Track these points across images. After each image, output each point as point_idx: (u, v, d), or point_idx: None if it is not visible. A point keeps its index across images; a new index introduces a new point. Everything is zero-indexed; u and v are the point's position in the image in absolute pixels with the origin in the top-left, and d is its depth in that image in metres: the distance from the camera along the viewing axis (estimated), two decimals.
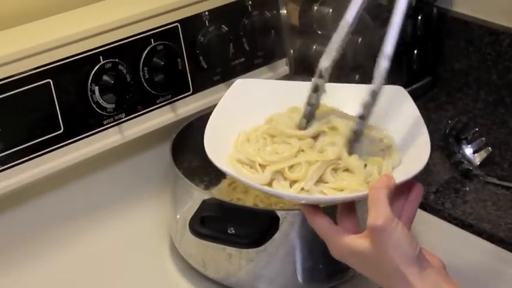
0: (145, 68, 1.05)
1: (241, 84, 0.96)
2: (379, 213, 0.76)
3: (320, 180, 0.84)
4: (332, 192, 0.83)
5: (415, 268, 0.76)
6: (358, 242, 0.78)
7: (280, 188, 0.83)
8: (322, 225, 0.82)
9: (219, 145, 0.86)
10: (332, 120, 0.88)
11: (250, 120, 0.90)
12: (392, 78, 1.40)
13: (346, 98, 0.92)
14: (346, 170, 0.85)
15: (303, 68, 1.28)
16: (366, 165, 0.85)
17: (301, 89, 0.91)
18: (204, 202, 0.95)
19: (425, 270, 0.77)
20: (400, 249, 0.76)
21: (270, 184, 0.84)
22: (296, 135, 0.87)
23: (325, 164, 0.83)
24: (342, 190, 0.83)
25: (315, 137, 0.87)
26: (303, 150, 0.85)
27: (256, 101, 0.93)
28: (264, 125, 0.90)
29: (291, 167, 0.84)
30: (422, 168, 0.82)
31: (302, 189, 0.83)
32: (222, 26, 1.13)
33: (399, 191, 0.81)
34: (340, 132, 0.86)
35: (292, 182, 0.83)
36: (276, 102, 0.92)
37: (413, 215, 0.82)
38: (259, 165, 0.84)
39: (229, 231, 0.93)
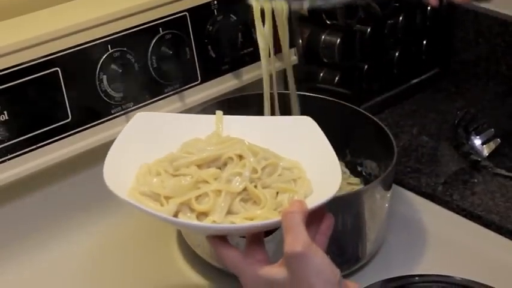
0: (154, 57, 1.05)
1: (141, 117, 0.90)
2: (296, 238, 0.71)
3: (229, 212, 0.80)
4: (243, 222, 0.78)
5: None
6: (274, 271, 0.74)
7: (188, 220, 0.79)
8: (233, 257, 0.77)
9: (120, 177, 0.81)
10: (238, 148, 0.85)
11: (152, 154, 0.86)
12: (401, 68, 1.40)
13: (248, 129, 0.90)
14: (255, 201, 0.82)
15: (312, 58, 1.27)
16: (277, 194, 0.83)
17: (202, 121, 0.91)
18: None
19: None
20: (322, 275, 0.71)
21: (175, 216, 0.79)
22: (197, 160, 0.83)
23: (232, 194, 0.80)
24: (252, 219, 0.79)
25: (221, 167, 0.84)
26: (207, 182, 0.81)
27: (157, 134, 0.88)
28: (165, 157, 0.86)
29: (197, 197, 0.80)
30: (334, 194, 0.77)
31: (213, 222, 0.78)
32: (231, 15, 1.12)
33: (310, 221, 0.76)
34: (247, 162, 0.83)
35: (199, 214, 0.79)
36: (177, 135, 0.89)
37: (324, 247, 0.77)
38: (164, 197, 0.80)
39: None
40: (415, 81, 1.44)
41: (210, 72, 1.13)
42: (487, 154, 1.23)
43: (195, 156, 0.84)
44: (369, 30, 1.30)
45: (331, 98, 1.13)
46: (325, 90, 1.26)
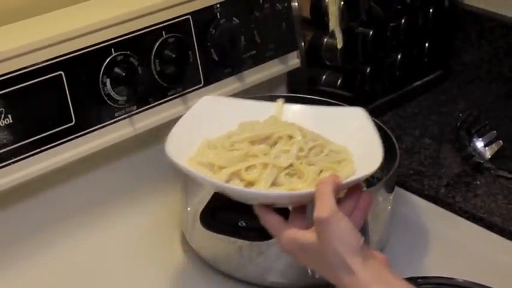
0: (157, 61, 1.05)
1: (207, 101, 0.99)
2: (324, 205, 0.78)
3: (275, 184, 0.87)
4: None
5: (359, 258, 0.78)
6: (306, 236, 0.81)
7: None
8: (273, 221, 0.85)
9: (180, 150, 0.90)
10: (289, 129, 0.92)
11: (213, 133, 0.95)
12: (403, 71, 1.41)
13: (304, 117, 0.98)
14: (299, 177, 0.88)
15: (314, 61, 1.28)
16: (321, 173, 0.89)
17: (263, 107, 0.99)
18: (215, 195, 0.95)
19: (369, 261, 0.79)
20: (344, 240, 0.78)
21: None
22: (250, 136, 0.91)
23: (279, 168, 0.87)
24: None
25: (272, 145, 0.91)
26: (256, 156, 0.89)
27: (220, 116, 0.97)
28: (225, 134, 0.95)
29: (247, 169, 0.88)
30: (371, 172, 0.86)
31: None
32: (234, 18, 1.12)
33: (348, 197, 0.84)
34: (295, 141, 0.90)
35: (247, 184, 0.87)
36: (237, 118, 0.97)
37: (360, 223, 0.84)
38: (218, 167, 0.88)
39: (240, 224, 0.93)
40: (417, 83, 1.45)
41: (213, 75, 1.13)
42: (489, 156, 1.23)
43: (249, 133, 0.92)
44: (371, 32, 1.30)
45: (333, 101, 1.13)
46: (327, 92, 1.26)
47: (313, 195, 0.81)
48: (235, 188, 0.87)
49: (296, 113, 0.99)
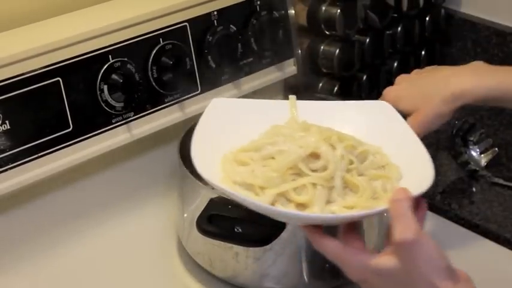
0: (154, 67, 1.05)
1: (218, 103, 0.93)
2: (406, 226, 0.71)
3: (327, 201, 0.80)
4: (343, 211, 0.78)
5: (450, 282, 0.72)
6: (384, 260, 0.73)
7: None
8: (334, 248, 0.76)
9: (208, 167, 0.81)
10: (327, 139, 0.83)
11: (230, 140, 0.87)
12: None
13: (322, 115, 0.91)
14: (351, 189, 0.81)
15: (311, 68, 1.28)
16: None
17: (278, 107, 0.92)
18: (211, 201, 0.95)
19: (458, 284, 0.72)
20: (432, 262, 0.71)
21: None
22: (291, 161, 0.80)
23: (330, 187, 0.80)
24: (352, 208, 0.78)
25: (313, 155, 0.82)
26: (300, 173, 0.80)
27: (233, 120, 0.90)
28: (251, 145, 0.86)
29: (295, 189, 0.79)
30: (432, 180, 0.79)
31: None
32: (231, 25, 1.13)
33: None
34: (344, 155, 0.82)
35: (298, 205, 0.79)
36: (252, 121, 0.90)
37: None
38: (260, 187, 0.79)
39: (236, 229, 0.93)
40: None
41: (210, 82, 1.13)
42: (485, 164, 1.24)
43: (291, 156, 0.81)
44: (367, 40, 1.31)
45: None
46: (324, 100, 1.26)
47: (382, 212, 0.74)
48: (293, 212, 0.77)
49: (313, 110, 0.91)
